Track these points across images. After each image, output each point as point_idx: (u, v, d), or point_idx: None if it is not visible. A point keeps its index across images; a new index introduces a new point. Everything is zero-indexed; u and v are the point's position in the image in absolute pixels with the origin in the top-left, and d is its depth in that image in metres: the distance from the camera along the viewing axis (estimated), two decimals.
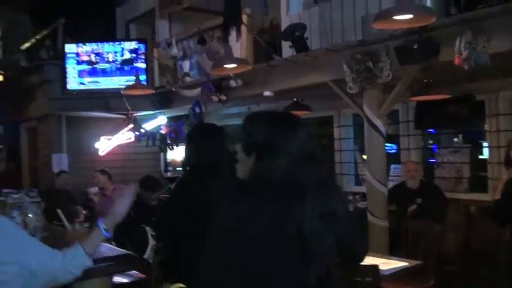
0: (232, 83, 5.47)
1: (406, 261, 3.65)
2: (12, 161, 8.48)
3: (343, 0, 4.86)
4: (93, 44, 7.45)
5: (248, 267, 1.38)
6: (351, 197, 6.17)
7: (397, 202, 4.96)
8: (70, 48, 7.44)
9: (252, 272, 1.38)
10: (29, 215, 2.85)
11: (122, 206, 2.10)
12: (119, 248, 2.58)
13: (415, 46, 3.70)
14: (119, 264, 2.39)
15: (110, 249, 2.61)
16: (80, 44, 7.45)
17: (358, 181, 6.74)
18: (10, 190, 3.09)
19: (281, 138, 1.50)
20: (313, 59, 4.77)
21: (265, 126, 1.55)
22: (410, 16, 3.21)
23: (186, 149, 2.68)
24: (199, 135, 2.71)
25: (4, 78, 9.59)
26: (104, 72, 7.44)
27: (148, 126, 7.37)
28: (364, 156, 6.20)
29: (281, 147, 1.48)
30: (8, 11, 9.55)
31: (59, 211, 2.40)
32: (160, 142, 6.75)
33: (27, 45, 8.48)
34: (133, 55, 7.38)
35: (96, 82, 7.45)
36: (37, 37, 8.17)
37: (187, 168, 2.76)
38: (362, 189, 6.29)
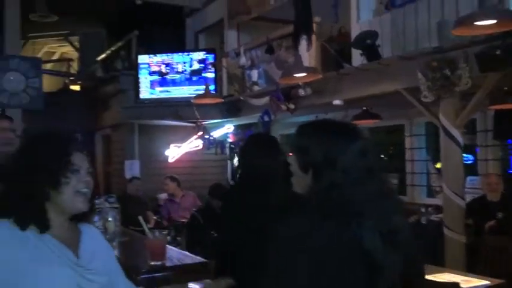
0: (301, 92, 5.46)
1: (488, 280, 3.46)
2: None
3: (417, 6, 4.73)
4: (164, 54, 7.70)
5: (311, 283, 1.34)
6: (423, 209, 5.95)
7: (476, 216, 4.72)
8: (143, 59, 7.73)
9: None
10: (109, 220, 2.96)
11: None
12: (195, 256, 2.62)
13: (498, 52, 3.51)
14: (197, 270, 2.43)
15: (187, 256, 2.66)
16: (152, 55, 7.72)
17: (431, 193, 6.50)
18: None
19: (340, 154, 1.40)
20: (386, 67, 4.66)
21: (323, 142, 1.44)
22: (493, 21, 3.06)
23: (238, 159, 2.66)
24: (250, 146, 2.61)
25: (81, 88, 10.13)
26: (174, 82, 7.67)
27: (216, 134, 7.50)
28: (438, 166, 5.98)
29: (340, 164, 1.39)
30: (86, 25, 10.08)
31: (140, 218, 2.47)
32: (229, 150, 6.84)
33: (103, 56, 8.90)
34: (202, 65, 7.54)
35: (167, 91, 7.68)
36: (112, 49, 8.55)
37: (238, 179, 2.75)
38: (434, 201, 6.06)
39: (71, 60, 11.80)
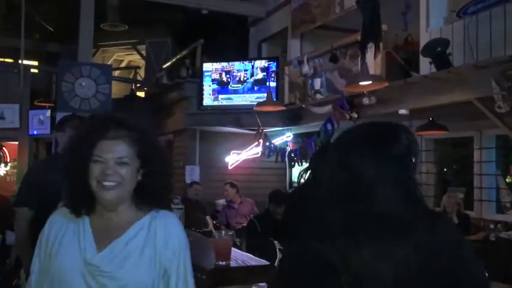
0: (366, 101, 5.36)
1: None
2: None
3: (491, 14, 4.54)
4: (227, 63, 7.83)
5: None
6: (491, 226, 5.68)
7: None
8: (207, 67, 7.89)
9: None
10: None
11: None
12: (259, 258, 2.62)
13: None
14: (261, 273, 2.43)
15: (252, 259, 2.66)
16: (216, 63, 7.87)
17: (500, 208, 6.18)
18: None
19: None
20: (456, 75, 4.50)
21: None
22: None
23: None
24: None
25: (146, 95, 10.48)
26: (236, 90, 7.77)
27: (276, 142, 7.51)
28: (508, 180, 5.70)
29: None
30: (153, 34, 10.44)
31: (208, 218, 2.50)
32: (289, 158, 6.83)
33: (168, 64, 9.17)
34: (264, 73, 7.60)
35: (229, 99, 7.79)
36: (178, 57, 8.79)
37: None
38: (505, 217, 5.77)
39: (137, 67, 12.24)
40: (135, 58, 12.82)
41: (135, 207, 1.48)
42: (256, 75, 7.69)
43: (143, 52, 11.28)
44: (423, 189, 7.08)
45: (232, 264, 2.42)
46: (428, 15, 5.31)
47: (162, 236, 1.45)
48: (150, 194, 1.48)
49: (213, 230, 2.43)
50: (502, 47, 4.34)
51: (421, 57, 5.06)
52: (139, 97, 10.57)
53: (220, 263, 2.39)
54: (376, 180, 1.26)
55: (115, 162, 1.41)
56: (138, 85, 10.83)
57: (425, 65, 4.99)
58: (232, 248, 2.78)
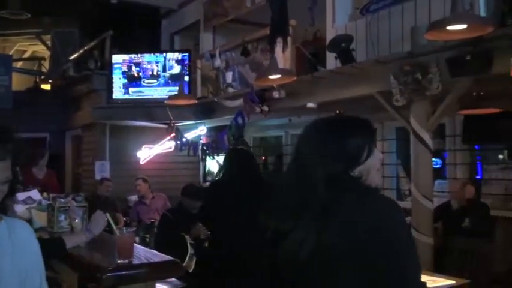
0: (276, 94, 5.46)
1: (453, 280, 3.51)
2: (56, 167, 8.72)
3: (390, 11, 4.79)
4: (138, 55, 7.62)
5: None
6: None
7: (444, 220, 4.80)
8: (116, 59, 7.63)
9: None
10: (76, 220, 2.89)
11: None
12: (164, 254, 2.57)
13: (468, 58, 3.58)
14: (166, 270, 2.38)
15: (156, 255, 2.61)
16: (126, 55, 7.63)
17: (400, 196, 6.58)
18: (57, 194, 3.15)
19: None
20: (360, 70, 4.71)
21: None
22: (464, 26, 3.12)
23: None
24: None
25: (52, 87, 9.93)
26: (148, 83, 7.58)
27: (189, 136, 7.45)
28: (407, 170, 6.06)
29: None
30: (59, 23, 9.90)
31: (108, 215, 2.42)
32: (201, 152, 6.80)
33: (75, 56, 8.75)
34: (180, 67, 7.47)
35: (140, 92, 7.59)
36: (85, 48, 8.42)
37: None
38: (404, 204, 6.14)
39: (42, 59, 11.56)
40: (40, 49, 12.10)
41: None
42: (171, 69, 7.55)
43: (48, 42, 10.67)
44: None
45: (135, 262, 2.34)
46: (334, 12, 5.50)
47: (18, 244, 1.43)
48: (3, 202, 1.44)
49: (114, 227, 2.34)
50: (401, 44, 4.60)
51: (328, 53, 5.23)
52: (45, 90, 9.99)
53: (122, 261, 2.30)
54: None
55: (1, 183, 1.37)
56: (42, 77, 10.23)
57: (332, 60, 5.17)
58: (137, 245, 2.71)
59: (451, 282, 3.43)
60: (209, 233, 4.68)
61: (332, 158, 1.40)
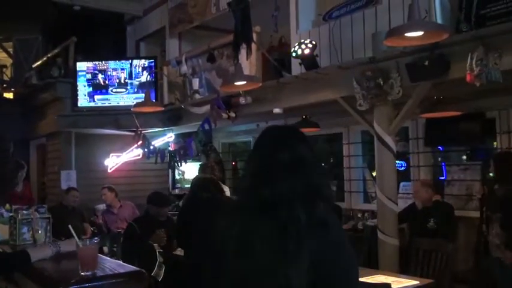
0: (242, 100, 5.49)
1: (418, 280, 3.60)
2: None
3: (352, 18, 4.89)
4: (103, 62, 7.53)
5: None
6: (359, 215, 6.13)
7: (410, 221, 4.91)
8: (81, 66, 7.52)
9: None
10: (39, 231, 2.84)
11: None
12: (129, 265, 2.55)
13: (426, 63, 3.69)
14: (130, 280, 2.36)
15: (120, 266, 2.58)
16: (90, 62, 7.53)
17: (367, 198, 6.70)
18: (19, 206, 3.09)
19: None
20: (324, 76, 4.78)
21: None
22: (421, 33, 3.21)
23: None
24: None
25: (15, 95, 9.70)
26: (113, 90, 7.50)
27: (156, 143, 7.40)
28: (374, 173, 6.18)
29: None
30: (21, 30, 9.69)
31: (70, 227, 2.39)
32: (169, 159, 6.76)
33: (38, 63, 8.58)
34: (148, 75, 7.41)
35: (106, 99, 7.51)
36: (48, 55, 8.27)
37: None
38: (371, 206, 6.26)
39: (4, 66, 11.28)
40: (1, 56, 11.80)
41: None
42: (138, 77, 7.48)
43: (10, 50, 10.42)
44: None
45: (99, 273, 2.32)
46: (297, 18, 5.57)
47: None
48: None
49: (76, 239, 2.32)
50: (362, 50, 4.70)
51: (293, 59, 5.29)
52: (7, 98, 9.75)
53: (85, 273, 2.28)
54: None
55: None
56: (4, 85, 9.99)
57: (297, 66, 5.24)
58: (102, 256, 2.68)
59: (416, 282, 3.52)
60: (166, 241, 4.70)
61: None
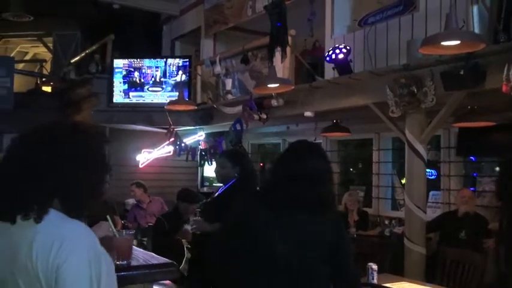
0: (274, 102, 5.55)
1: None
2: None
3: (388, 24, 4.89)
4: (138, 60, 7.71)
5: None
6: (387, 222, 6.11)
7: (441, 230, 4.88)
8: (118, 63, 7.72)
9: None
10: None
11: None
12: (161, 257, 2.64)
13: (462, 72, 3.68)
14: (163, 272, 2.45)
15: (153, 257, 2.68)
16: (127, 60, 7.71)
17: (395, 205, 6.66)
18: None
19: None
20: (356, 81, 4.80)
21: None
22: (458, 42, 3.21)
23: None
24: None
25: (53, 90, 9.99)
26: (150, 89, 7.67)
27: (187, 141, 7.52)
28: (403, 181, 6.15)
29: None
30: (61, 26, 9.98)
31: (108, 217, 2.49)
32: (199, 157, 6.87)
33: (76, 59, 8.82)
34: (181, 72, 7.54)
35: (141, 97, 7.68)
36: (87, 51, 8.50)
37: None
38: (398, 214, 6.23)
39: (44, 61, 11.61)
40: (41, 51, 12.17)
41: None
42: (172, 76, 7.62)
43: (50, 45, 10.74)
44: None
45: (133, 263, 2.42)
46: (332, 23, 5.60)
47: None
48: None
49: (114, 230, 2.42)
50: (397, 57, 4.70)
51: (326, 63, 5.32)
52: (45, 92, 10.05)
53: (120, 262, 2.38)
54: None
55: None
56: (44, 79, 10.29)
57: (330, 71, 5.27)
58: (135, 247, 2.78)
59: None
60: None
61: None
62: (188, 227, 4.86)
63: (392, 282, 3.49)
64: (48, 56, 11.35)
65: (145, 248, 5.19)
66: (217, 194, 3.84)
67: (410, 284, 3.55)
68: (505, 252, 3.64)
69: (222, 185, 3.77)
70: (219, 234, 2.44)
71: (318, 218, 2.02)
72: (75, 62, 8.81)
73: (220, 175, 3.57)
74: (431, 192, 5.97)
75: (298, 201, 1.97)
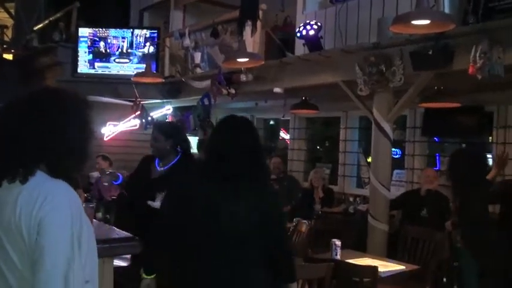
0: (243, 77, 5.48)
1: (404, 265, 3.67)
2: None
3: (359, 2, 4.86)
4: (104, 29, 7.46)
5: None
6: (351, 199, 6.19)
7: (406, 207, 4.97)
8: (83, 32, 7.45)
9: None
10: None
11: None
12: (123, 231, 2.59)
13: (430, 52, 3.69)
14: (123, 246, 2.40)
15: (113, 231, 2.63)
16: (93, 29, 7.46)
17: (360, 183, 6.76)
18: None
19: None
20: (326, 58, 4.77)
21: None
22: (428, 22, 3.21)
23: None
24: None
25: (14, 57, 9.62)
26: (117, 60, 7.46)
27: (154, 114, 7.39)
28: (369, 159, 6.22)
29: None
30: None
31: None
32: None
33: (40, 26, 8.49)
34: (149, 44, 7.34)
35: (106, 67, 7.46)
36: (51, 19, 8.18)
37: None
38: (363, 191, 6.32)
39: (5, 27, 11.15)
40: (3, 16, 11.65)
41: None
42: (140, 47, 7.41)
43: (12, 10, 10.30)
44: (295, 165, 7.48)
45: None
46: None
47: None
48: None
49: None
50: (368, 35, 4.68)
51: (297, 39, 5.27)
52: (7, 60, 9.67)
53: None
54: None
55: None
56: (5, 46, 9.89)
57: (300, 47, 5.22)
58: (96, 221, 2.72)
59: (402, 267, 3.59)
60: None
61: None
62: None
63: (355, 258, 3.54)
64: (9, 21, 10.88)
65: (108, 223, 5.11)
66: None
67: (373, 259, 3.62)
68: (461, 230, 3.75)
69: None
70: (163, 207, 2.53)
71: (252, 191, 2.06)
72: (39, 29, 8.48)
73: (155, 148, 3.46)
74: (395, 171, 6.07)
75: (228, 177, 2.04)
